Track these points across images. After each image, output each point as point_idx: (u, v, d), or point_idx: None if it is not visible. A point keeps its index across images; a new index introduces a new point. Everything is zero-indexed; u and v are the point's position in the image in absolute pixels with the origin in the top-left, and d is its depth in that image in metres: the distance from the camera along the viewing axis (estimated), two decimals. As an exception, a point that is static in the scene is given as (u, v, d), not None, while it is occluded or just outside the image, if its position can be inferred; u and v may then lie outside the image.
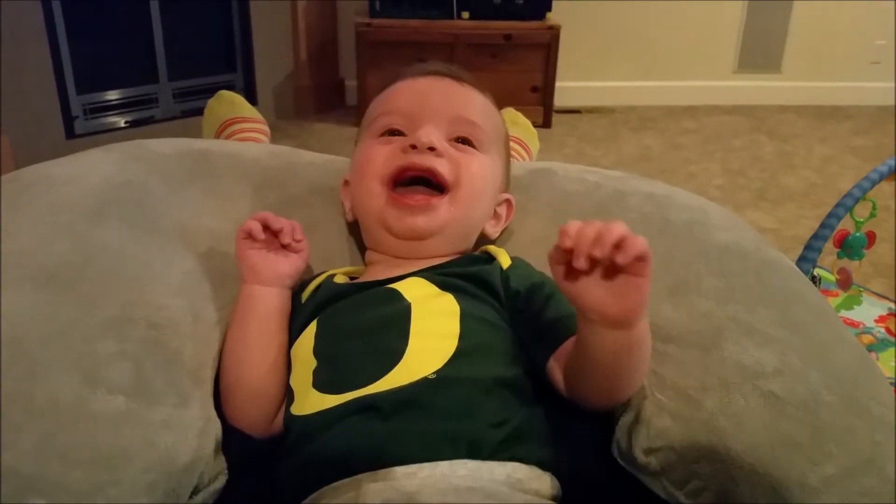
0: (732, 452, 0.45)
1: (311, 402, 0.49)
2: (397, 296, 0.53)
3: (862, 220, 0.98)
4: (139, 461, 0.42)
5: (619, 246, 0.40)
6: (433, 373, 0.47)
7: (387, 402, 0.46)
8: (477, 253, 0.61)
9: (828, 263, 1.06)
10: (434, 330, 0.50)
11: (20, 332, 0.44)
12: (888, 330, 1.02)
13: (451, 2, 2.32)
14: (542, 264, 0.59)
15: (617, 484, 0.51)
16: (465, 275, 0.54)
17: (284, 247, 0.57)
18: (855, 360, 0.51)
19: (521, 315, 0.53)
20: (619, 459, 0.51)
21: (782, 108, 2.68)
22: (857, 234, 0.99)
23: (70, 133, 2.00)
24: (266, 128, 0.94)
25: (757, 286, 0.55)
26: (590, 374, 0.47)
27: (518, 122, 0.95)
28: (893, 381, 0.92)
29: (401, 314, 0.51)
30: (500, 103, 0.68)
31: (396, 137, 0.59)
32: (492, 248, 0.59)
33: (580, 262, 0.41)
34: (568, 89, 2.53)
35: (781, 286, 0.56)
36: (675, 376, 0.50)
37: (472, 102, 0.61)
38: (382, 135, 0.60)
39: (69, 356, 0.44)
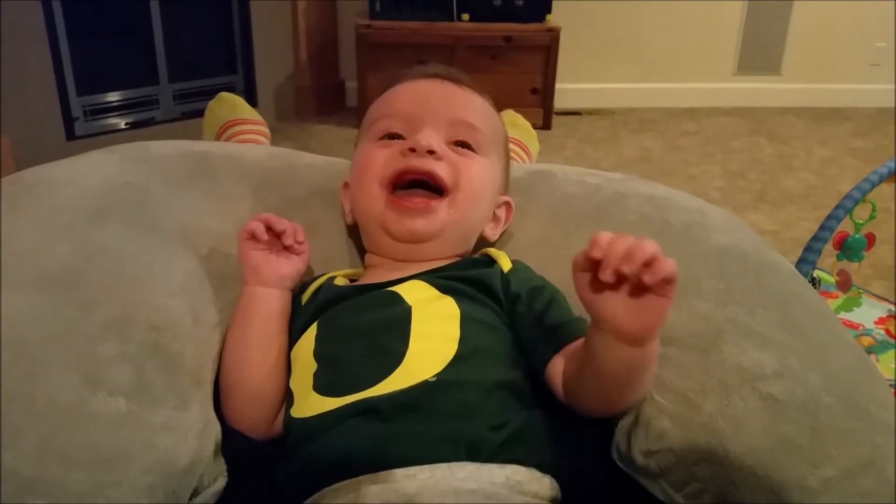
0: (732, 454, 0.45)
1: (311, 404, 0.49)
2: (398, 299, 0.53)
3: (861, 221, 0.98)
4: (139, 463, 0.42)
5: (648, 264, 0.39)
6: (433, 376, 0.47)
7: (387, 404, 0.46)
8: (477, 256, 0.61)
9: (827, 265, 1.06)
10: (434, 333, 0.50)
11: (21, 333, 0.44)
12: (888, 332, 1.02)
13: (452, 4, 2.32)
14: (541, 266, 0.60)
15: (616, 486, 0.51)
16: (465, 278, 0.54)
17: (286, 248, 0.57)
18: (854, 362, 0.51)
19: (521, 319, 0.53)
20: (618, 462, 0.51)
21: (782, 109, 2.68)
22: (857, 236, 0.99)
23: (70, 135, 2.00)
24: (266, 129, 0.94)
25: (756, 288, 0.55)
26: (593, 382, 0.47)
27: (518, 124, 0.95)
28: (893, 383, 0.92)
29: (401, 317, 0.51)
30: (500, 105, 0.69)
31: (396, 140, 0.59)
32: (492, 251, 0.59)
33: (607, 276, 0.40)
34: (568, 91, 2.53)
35: (781, 288, 0.56)
36: (674, 378, 0.50)
37: (471, 105, 0.61)
38: (382, 138, 0.60)
39: (70, 357, 0.44)
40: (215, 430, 0.49)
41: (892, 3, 2.59)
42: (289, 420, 0.51)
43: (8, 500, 0.37)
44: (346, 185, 0.64)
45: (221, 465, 0.49)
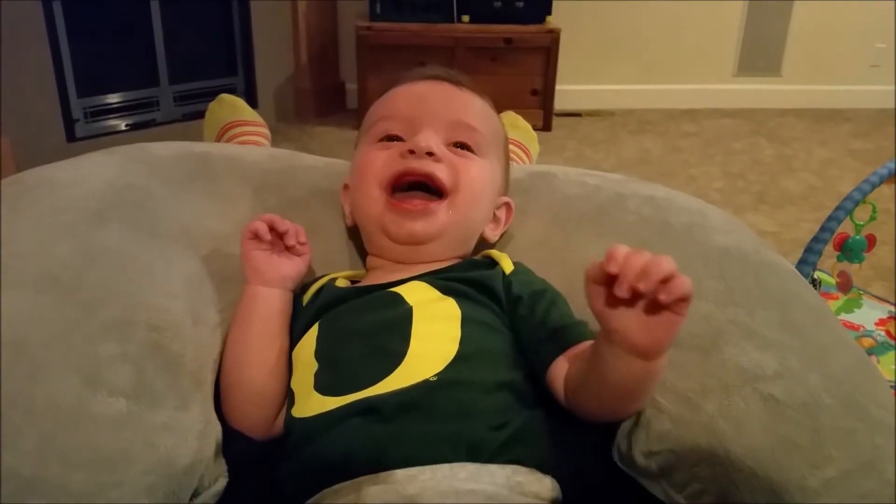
0: (732, 455, 0.45)
1: (312, 404, 0.49)
2: (399, 299, 0.53)
3: (862, 223, 0.98)
4: (140, 463, 0.42)
5: (664, 282, 0.39)
6: (434, 375, 0.47)
7: (388, 404, 0.46)
8: (478, 257, 0.61)
9: (828, 266, 1.06)
10: (435, 334, 0.50)
11: (21, 334, 0.44)
12: (888, 333, 1.02)
13: (452, 5, 2.32)
14: (542, 267, 0.60)
15: (617, 487, 0.50)
16: (466, 279, 0.55)
17: (288, 249, 0.57)
18: (855, 363, 0.51)
19: (522, 321, 0.53)
20: (618, 462, 0.51)
21: (782, 111, 2.68)
22: (857, 238, 0.99)
23: (71, 136, 2.01)
24: (267, 131, 0.94)
25: (756, 289, 0.55)
26: (597, 390, 0.47)
27: (518, 126, 0.95)
28: (893, 384, 0.92)
29: (402, 318, 0.51)
30: (500, 106, 0.69)
31: (395, 142, 0.59)
32: (494, 253, 0.59)
33: (622, 291, 0.39)
34: (568, 92, 2.54)
35: (781, 289, 0.56)
36: (674, 379, 0.50)
37: (470, 107, 0.61)
38: (381, 140, 0.60)
39: (70, 358, 0.44)
40: (216, 430, 0.49)
41: (892, 4, 2.60)
42: (289, 420, 0.51)
43: (8, 500, 0.37)
44: (345, 186, 0.64)
45: (222, 466, 0.49)
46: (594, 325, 0.54)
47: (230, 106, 0.95)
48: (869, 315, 1.06)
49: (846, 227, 0.97)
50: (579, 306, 0.56)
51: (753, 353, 0.50)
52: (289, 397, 0.53)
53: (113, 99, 2.10)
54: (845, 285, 1.03)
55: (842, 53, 2.69)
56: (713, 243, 0.60)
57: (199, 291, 0.55)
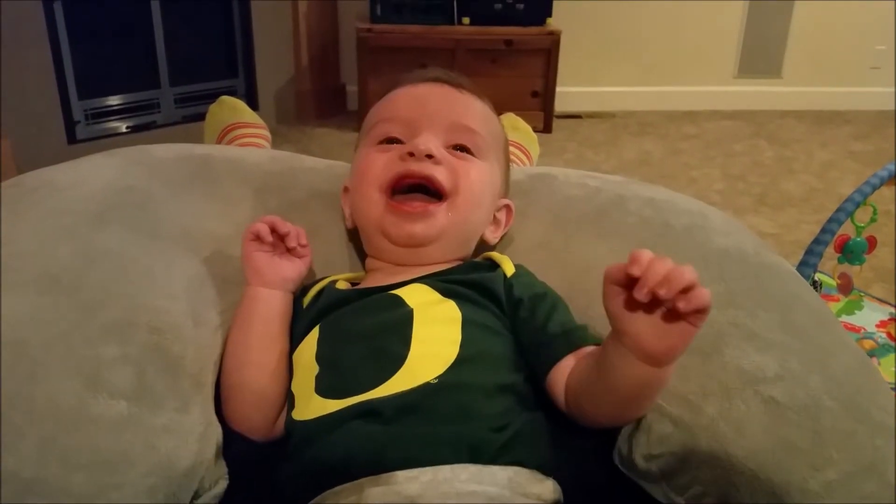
0: (733, 458, 0.45)
1: (312, 406, 0.49)
2: (400, 302, 0.53)
3: (863, 224, 0.98)
4: (140, 465, 0.42)
5: (684, 291, 0.39)
6: (435, 378, 0.47)
7: (388, 406, 0.46)
8: (479, 259, 0.61)
9: (829, 268, 1.06)
10: (436, 336, 0.50)
11: (22, 336, 0.44)
12: (889, 335, 1.02)
13: (452, 7, 2.32)
14: (542, 268, 0.60)
15: (618, 489, 0.50)
16: (467, 282, 0.55)
17: (289, 251, 0.57)
18: (856, 365, 0.51)
19: (523, 324, 0.53)
20: (619, 465, 0.51)
21: (782, 112, 2.68)
22: (858, 239, 0.99)
23: (72, 138, 2.01)
24: (267, 133, 0.94)
25: (757, 290, 0.55)
26: (602, 395, 0.47)
27: (518, 127, 0.95)
28: (894, 386, 0.92)
29: (403, 320, 0.51)
30: (501, 108, 0.69)
31: (395, 145, 0.59)
32: (495, 255, 0.59)
33: (642, 295, 0.39)
34: (568, 94, 2.54)
35: (782, 290, 0.56)
36: (675, 382, 0.49)
37: (470, 109, 0.61)
38: (381, 142, 0.60)
39: (71, 360, 0.44)
40: (216, 432, 0.49)
41: (892, 5, 2.60)
42: (290, 422, 0.51)
43: (8, 501, 0.37)
44: (346, 189, 0.64)
45: (222, 468, 0.49)
46: (595, 328, 0.54)
47: (231, 108, 0.95)
48: (870, 317, 1.06)
49: (847, 229, 0.97)
50: (579, 308, 0.56)
51: (754, 355, 0.49)
52: (289, 400, 0.53)
53: (114, 101, 2.10)
54: (846, 287, 1.03)
55: (842, 55, 2.69)
56: (714, 245, 0.60)
57: (199, 293, 0.55)
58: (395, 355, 0.49)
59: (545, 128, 2.39)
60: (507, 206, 0.64)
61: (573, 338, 0.51)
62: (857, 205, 0.94)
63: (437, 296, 0.54)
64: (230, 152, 0.72)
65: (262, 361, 0.54)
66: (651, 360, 0.42)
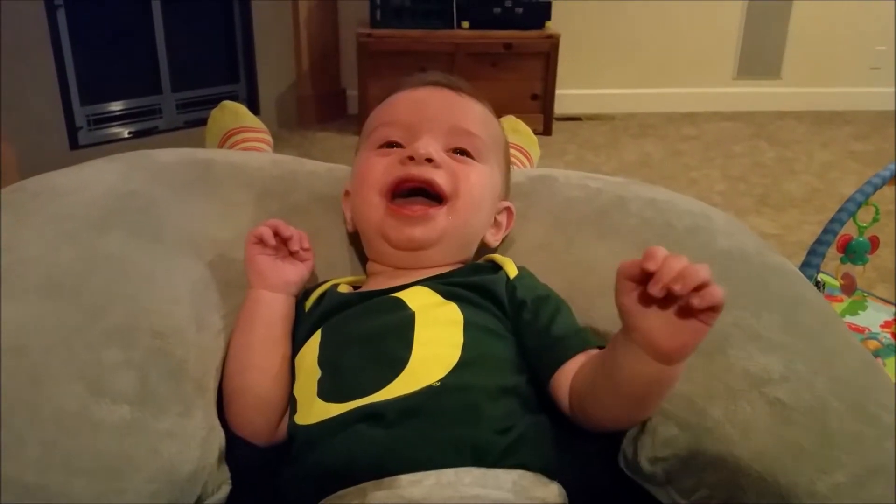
0: (739, 460, 0.45)
1: (315, 410, 0.49)
2: (401, 305, 0.53)
3: (865, 224, 0.98)
4: (143, 470, 0.42)
5: (698, 289, 0.39)
6: (437, 381, 0.47)
7: (391, 410, 0.46)
8: (481, 261, 0.61)
9: (831, 269, 1.06)
10: (438, 339, 0.50)
11: (24, 340, 0.44)
12: (894, 335, 1.01)
13: (452, 12, 2.33)
14: (543, 270, 0.59)
15: (623, 493, 0.50)
16: (468, 284, 0.54)
17: (292, 254, 0.57)
18: (861, 366, 0.50)
19: (526, 326, 0.53)
20: (624, 469, 0.51)
21: (782, 113, 2.68)
22: (861, 239, 0.98)
23: (74, 143, 2.01)
24: (269, 137, 0.94)
25: (761, 291, 0.55)
26: (609, 396, 0.46)
27: (518, 130, 0.95)
28: (899, 386, 0.91)
29: (405, 323, 0.51)
30: (501, 111, 0.69)
31: (395, 149, 0.59)
32: (497, 258, 0.59)
33: (656, 290, 0.39)
34: (568, 97, 2.54)
35: (786, 291, 0.56)
36: (680, 384, 0.49)
37: (470, 112, 0.61)
38: (381, 146, 0.60)
39: (74, 365, 0.44)
40: (219, 437, 0.49)
41: (891, 6, 2.60)
42: (293, 427, 0.51)
43: (11, 508, 0.37)
44: (346, 193, 0.64)
45: (225, 473, 0.49)
46: (597, 329, 0.54)
47: (232, 113, 0.95)
48: (874, 317, 1.06)
49: (849, 229, 0.97)
50: (581, 309, 0.56)
51: (759, 356, 0.49)
52: (291, 404, 0.53)
53: (116, 106, 2.11)
54: (849, 287, 1.03)
55: (842, 56, 2.70)
56: (716, 246, 0.59)
57: (202, 297, 0.55)
58: (397, 358, 0.49)
59: (545, 130, 2.40)
60: (508, 209, 0.64)
61: (577, 340, 0.51)
62: (859, 205, 0.94)
63: (438, 298, 0.53)
64: (232, 157, 0.72)
65: (264, 365, 0.54)
66: (662, 358, 0.42)
